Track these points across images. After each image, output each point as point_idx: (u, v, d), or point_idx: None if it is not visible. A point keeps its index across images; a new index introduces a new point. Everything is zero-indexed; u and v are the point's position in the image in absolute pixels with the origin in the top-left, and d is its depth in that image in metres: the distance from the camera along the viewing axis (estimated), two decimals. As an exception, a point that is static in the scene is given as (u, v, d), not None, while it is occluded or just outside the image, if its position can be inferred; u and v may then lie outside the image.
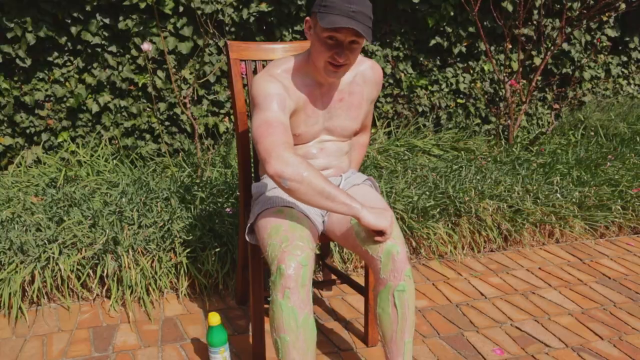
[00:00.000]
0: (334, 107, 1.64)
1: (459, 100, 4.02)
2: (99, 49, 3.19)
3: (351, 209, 1.42)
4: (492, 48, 4.02)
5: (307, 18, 1.54)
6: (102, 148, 3.28)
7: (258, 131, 1.45)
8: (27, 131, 3.22)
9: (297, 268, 1.40)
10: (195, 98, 3.44)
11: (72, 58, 3.20)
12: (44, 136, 3.25)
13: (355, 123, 1.69)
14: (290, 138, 1.47)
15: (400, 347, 1.53)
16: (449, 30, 3.79)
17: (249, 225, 1.64)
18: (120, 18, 3.15)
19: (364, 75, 1.69)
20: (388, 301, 1.51)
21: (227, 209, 2.43)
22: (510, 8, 3.86)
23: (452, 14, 3.71)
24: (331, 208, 1.43)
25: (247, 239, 1.64)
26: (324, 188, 1.40)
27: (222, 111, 3.49)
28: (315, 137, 1.67)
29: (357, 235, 1.54)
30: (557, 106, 4.38)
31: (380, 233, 1.46)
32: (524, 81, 4.04)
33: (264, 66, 1.92)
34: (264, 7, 3.34)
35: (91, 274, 2.21)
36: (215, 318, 1.72)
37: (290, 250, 1.41)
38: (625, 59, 4.46)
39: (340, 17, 1.43)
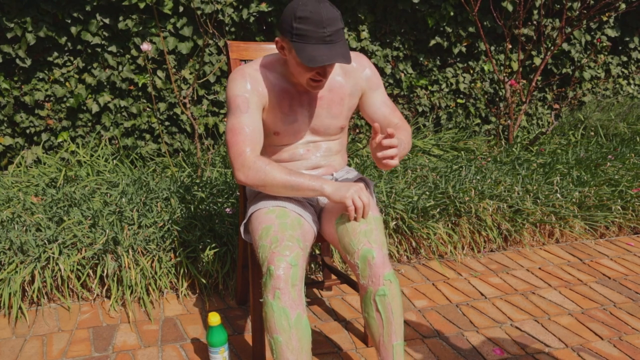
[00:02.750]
0: (313, 105, 1.61)
1: (459, 100, 4.02)
2: (99, 49, 3.19)
3: (317, 191, 1.49)
4: (492, 48, 4.02)
5: (277, 39, 1.50)
6: (102, 148, 3.28)
7: (226, 139, 1.54)
8: (27, 131, 3.22)
9: (287, 268, 1.40)
10: (195, 98, 3.44)
11: (72, 58, 3.20)
12: (44, 136, 3.25)
13: (338, 121, 1.65)
14: (256, 138, 1.52)
15: (389, 350, 1.51)
16: (449, 30, 3.79)
17: (243, 223, 1.64)
18: (120, 18, 3.15)
19: (344, 69, 1.63)
20: (371, 306, 1.49)
21: (227, 209, 2.43)
22: (510, 8, 3.86)
23: (452, 14, 3.71)
24: (302, 195, 1.51)
25: (244, 237, 1.64)
26: (287, 181, 1.49)
27: (222, 111, 3.49)
28: (300, 138, 1.64)
29: (340, 240, 1.53)
30: (557, 106, 4.38)
31: (362, 210, 1.50)
32: (524, 81, 4.04)
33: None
34: (264, 7, 3.34)
35: (91, 274, 2.21)
36: (215, 318, 1.72)
37: (279, 251, 1.41)
38: (625, 59, 4.46)
39: (317, 48, 1.41)
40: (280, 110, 1.58)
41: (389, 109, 1.70)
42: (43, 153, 3.26)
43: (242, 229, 1.64)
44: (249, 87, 1.53)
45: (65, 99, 3.23)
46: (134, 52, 3.23)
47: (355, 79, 1.65)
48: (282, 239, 1.45)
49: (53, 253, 2.16)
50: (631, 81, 4.54)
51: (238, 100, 1.52)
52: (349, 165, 3.23)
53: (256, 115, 1.54)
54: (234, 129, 1.52)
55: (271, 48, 1.85)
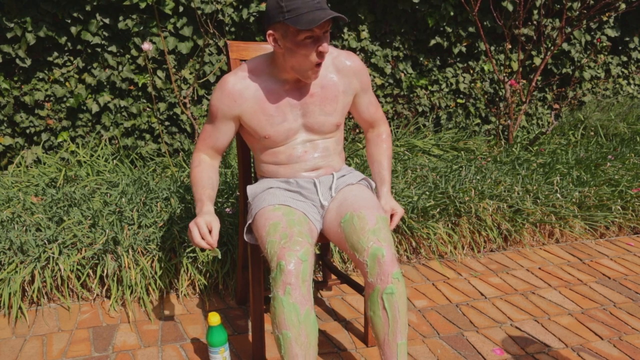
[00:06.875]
0: (305, 103, 1.60)
1: (459, 100, 4.02)
2: (99, 49, 3.19)
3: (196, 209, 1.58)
4: (492, 48, 4.02)
5: (270, 32, 1.49)
6: (102, 148, 3.28)
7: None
8: (27, 131, 3.22)
9: (297, 264, 1.40)
10: (195, 98, 3.44)
11: (72, 58, 3.20)
12: (44, 136, 3.25)
13: (333, 117, 1.64)
14: (211, 144, 1.66)
15: (393, 349, 1.52)
16: (449, 30, 3.79)
17: (247, 225, 1.64)
18: (120, 18, 3.15)
19: (337, 67, 1.64)
20: (378, 304, 1.50)
21: (227, 209, 2.43)
22: (510, 8, 3.86)
23: (452, 14, 3.71)
24: None
25: (246, 238, 1.64)
26: (195, 192, 1.61)
27: (222, 111, 3.49)
28: (291, 136, 1.62)
29: (347, 238, 1.53)
30: (557, 106, 4.38)
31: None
32: (524, 81, 4.04)
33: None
34: (264, 7, 3.34)
35: (91, 274, 2.21)
36: (215, 318, 1.72)
37: (289, 246, 1.42)
38: (625, 59, 4.46)
39: (312, 13, 1.43)
40: (263, 113, 1.58)
41: (374, 108, 1.79)
42: (43, 153, 3.26)
43: (245, 228, 1.64)
44: (224, 99, 1.59)
45: (65, 99, 3.23)
46: (134, 52, 3.23)
47: (349, 78, 1.66)
48: (291, 234, 1.45)
49: (53, 253, 2.16)
50: (631, 81, 4.54)
51: (212, 109, 1.62)
52: (349, 165, 3.23)
53: (221, 127, 1.64)
54: (202, 131, 1.69)
55: (271, 48, 1.85)
